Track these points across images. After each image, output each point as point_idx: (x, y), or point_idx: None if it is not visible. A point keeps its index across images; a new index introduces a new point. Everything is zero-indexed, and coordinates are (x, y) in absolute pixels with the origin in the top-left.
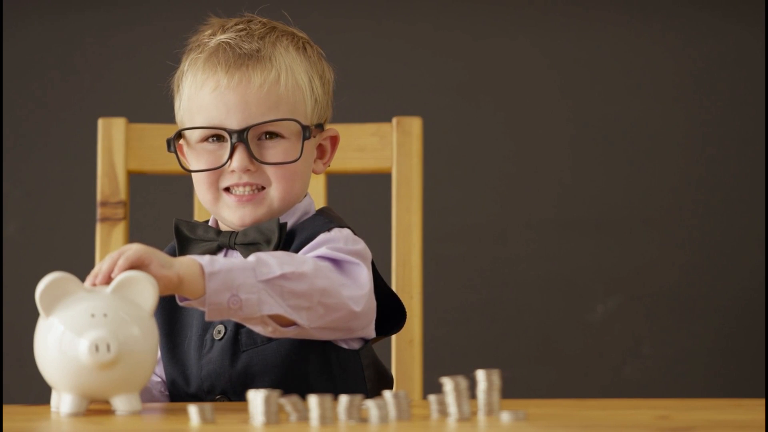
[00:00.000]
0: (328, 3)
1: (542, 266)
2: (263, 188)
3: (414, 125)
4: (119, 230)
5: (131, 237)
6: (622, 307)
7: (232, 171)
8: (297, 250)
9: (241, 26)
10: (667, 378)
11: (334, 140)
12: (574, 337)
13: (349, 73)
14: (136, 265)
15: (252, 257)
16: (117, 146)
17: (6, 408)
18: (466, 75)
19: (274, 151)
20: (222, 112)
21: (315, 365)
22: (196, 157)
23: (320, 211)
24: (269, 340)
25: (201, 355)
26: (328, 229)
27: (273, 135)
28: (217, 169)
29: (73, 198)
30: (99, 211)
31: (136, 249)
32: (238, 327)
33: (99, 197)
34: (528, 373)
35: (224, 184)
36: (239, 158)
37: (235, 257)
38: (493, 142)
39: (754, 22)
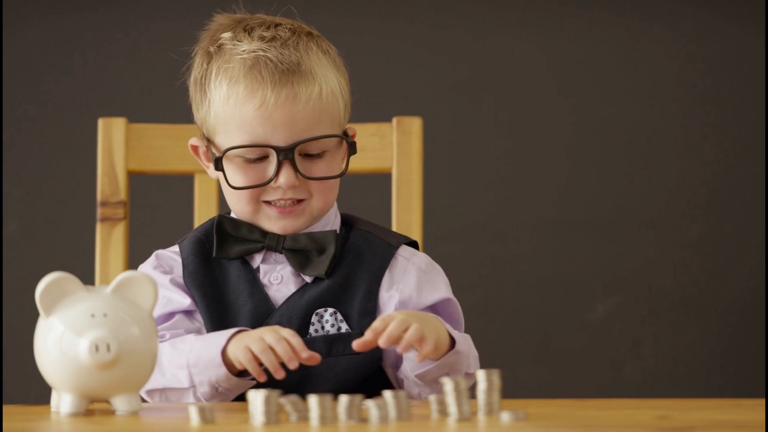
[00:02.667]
0: (328, 3)
1: (542, 266)
2: (302, 200)
3: (414, 125)
4: (119, 230)
5: (131, 237)
6: (622, 307)
7: (278, 187)
8: (375, 277)
9: (269, 33)
10: (667, 378)
11: (352, 137)
12: (573, 337)
13: (350, 73)
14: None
15: (462, 339)
16: (117, 146)
17: (6, 408)
18: (466, 75)
19: (318, 165)
20: (268, 130)
21: (363, 387)
22: (236, 171)
23: (355, 222)
24: (328, 354)
25: None
26: (399, 246)
27: (317, 150)
28: (262, 186)
29: (73, 198)
30: (99, 211)
31: (417, 328)
32: (301, 336)
33: (99, 197)
34: (528, 373)
35: (267, 198)
36: (286, 176)
37: (280, 260)
38: (493, 142)
39: (754, 22)
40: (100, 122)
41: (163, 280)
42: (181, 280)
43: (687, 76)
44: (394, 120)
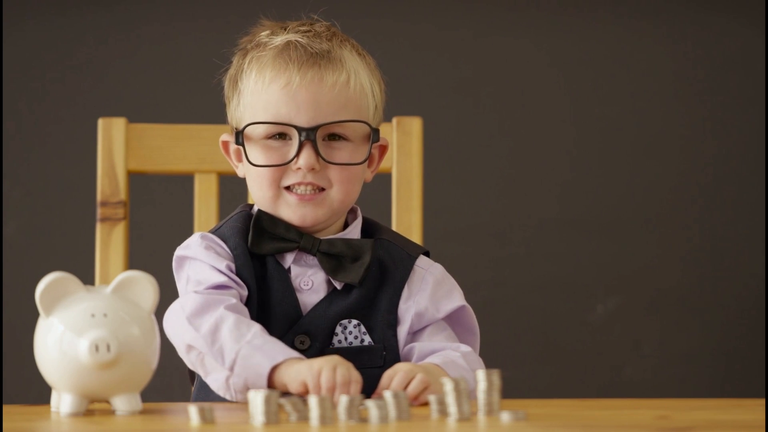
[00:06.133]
0: (328, 3)
1: (542, 266)
2: (323, 189)
3: (414, 125)
4: (119, 230)
5: (131, 237)
6: (622, 307)
7: (298, 169)
8: (397, 289)
9: (305, 28)
10: (667, 378)
11: (383, 149)
12: (574, 337)
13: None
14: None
15: (463, 361)
16: (117, 146)
17: (6, 408)
18: (466, 74)
19: (340, 152)
20: (292, 109)
21: None
22: (259, 152)
23: (376, 230)
24: None
25: None
26: (417, 257)
27: (339, 136)
28: (282, 166)
29: (73, 198)
30: (99, 211)
31: (422, 378)
32: (323, 346)
33: (99, 197)
34: (528, 373)
35: (287, 182)
36: (306, 156)
37: (311, 264)
38: (494, 142)
39: (755, 22)
40: (100, 122)
41: (217, 262)
42: (234, 269)
43: (688, 76)
44: (394, 120)
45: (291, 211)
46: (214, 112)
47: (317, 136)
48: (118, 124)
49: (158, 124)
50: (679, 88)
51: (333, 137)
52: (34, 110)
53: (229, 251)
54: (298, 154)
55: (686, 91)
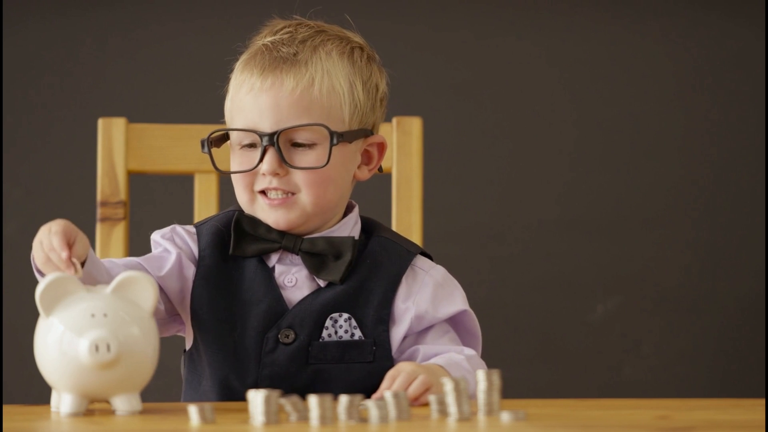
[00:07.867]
0: (328, 3)
1: (542, 266)
2: (294, 193)
3: (414, 125)
4: (119, 230)
5: (131, 237)
6: (622, 307)
7: (263, 174)
8: (391, 284)
9: (289, 29)
10: (667, 378)
11: (381, 147)
12: (574, 337)
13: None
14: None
15: (467, 363)
16: (117, 146)
17: (6, 408)
18: (466, 75)
19: (306, 156)
20: (256, 115)
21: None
22: (233, 158)
23: (375, 229)
24: (340, 360)
25: (262, 353)
26: (416, 254)
27: (302, 140)
28: (248, 172)
29: (73, 198)
30: (99, 211)
31: (424, 380)
32: (311, 339)
33: (99, 197)
34: (528, 373)
35: (258, 187)
36: (269, 162)
37: (296, 262)
38: (494, 143)
39: (755, 22)
40: (100, 122)
41: (168, 245)
42: (188, 260)
43: (688, 76)
44: (394, 120)
45: (265, 214)
46: (214, 112)
47: (281, 141)
48: (118, 124)
49: (158, 124)
50: (679, 88)
51: (299, 141)
52: (34, 110)
53: (196, 248)
54: (261, 160)
55: (686, 91)
